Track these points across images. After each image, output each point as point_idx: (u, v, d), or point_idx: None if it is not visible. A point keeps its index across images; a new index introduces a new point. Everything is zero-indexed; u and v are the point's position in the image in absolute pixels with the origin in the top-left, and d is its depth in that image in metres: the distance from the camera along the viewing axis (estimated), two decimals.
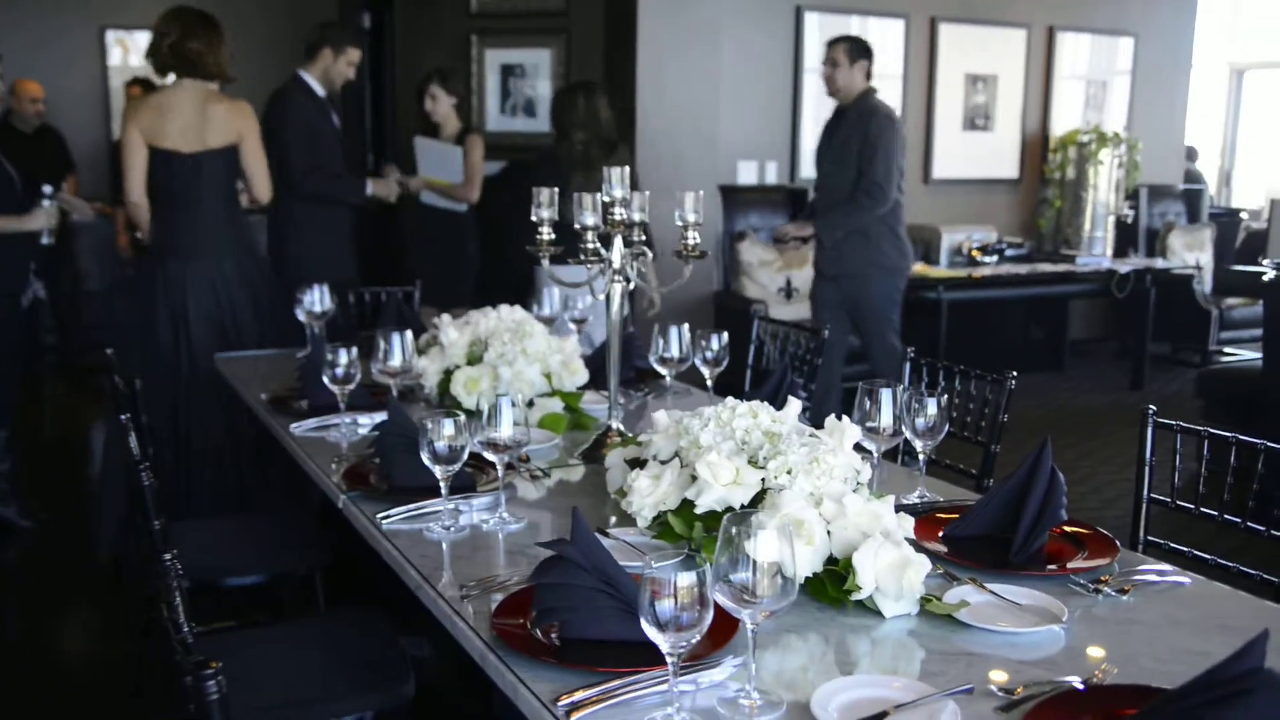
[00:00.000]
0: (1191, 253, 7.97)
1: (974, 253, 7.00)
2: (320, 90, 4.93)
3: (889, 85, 7.00)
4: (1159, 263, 7.63)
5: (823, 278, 5.30)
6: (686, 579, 1.30)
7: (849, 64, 5.06)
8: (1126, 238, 7.88)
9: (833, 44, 5.17)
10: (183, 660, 1.35)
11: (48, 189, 4.66)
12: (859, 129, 5.00)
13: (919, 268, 6.90)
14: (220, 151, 4.18)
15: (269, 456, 4.09)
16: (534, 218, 2.49)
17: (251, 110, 4.28)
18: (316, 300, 3.56)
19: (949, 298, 6.52)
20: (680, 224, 2.39)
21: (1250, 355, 7.03)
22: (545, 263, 2.47)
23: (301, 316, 3.57)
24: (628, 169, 2.39)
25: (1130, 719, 1.36)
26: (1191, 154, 11.29)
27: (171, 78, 4.21)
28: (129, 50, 8.51)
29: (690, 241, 2.38)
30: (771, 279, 6.48)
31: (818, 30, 6.82)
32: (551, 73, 6.72)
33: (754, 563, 1.37)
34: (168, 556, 1.52)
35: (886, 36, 7.10)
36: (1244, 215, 9.64)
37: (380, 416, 2.83)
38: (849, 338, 5.41)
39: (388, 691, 2.16)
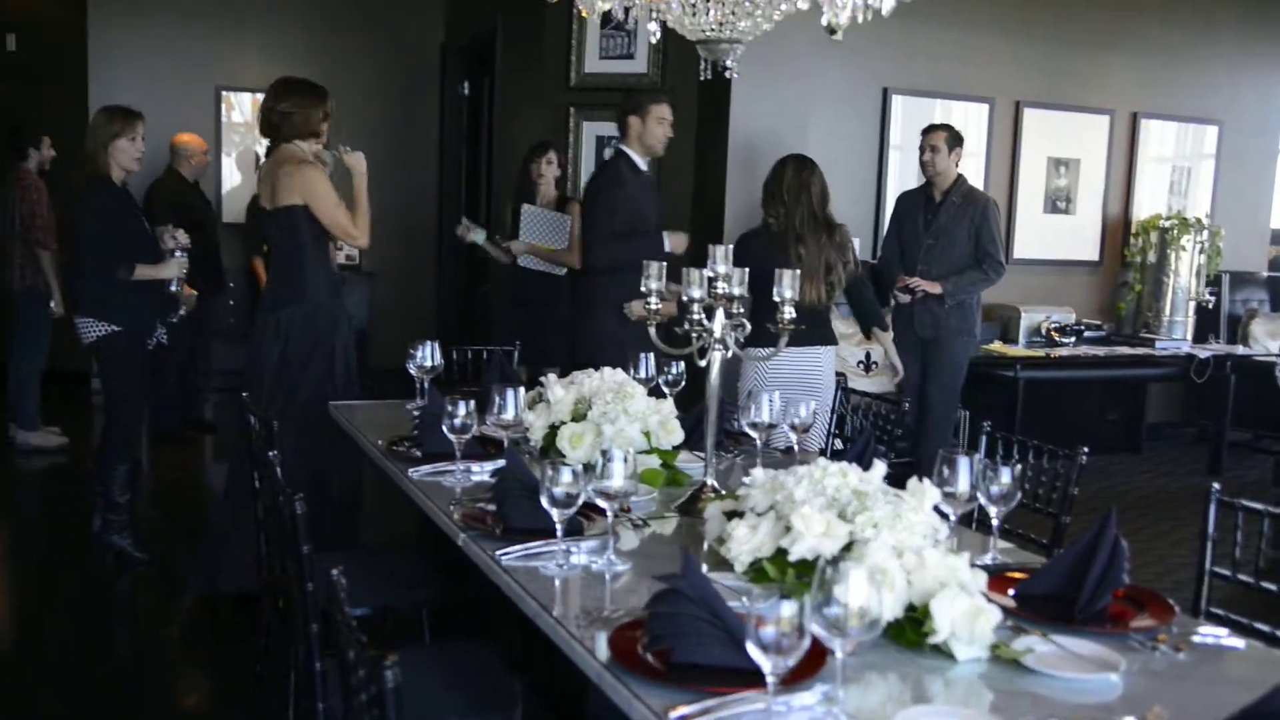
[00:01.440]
0: (1274, 340, 7.99)
1: (1052, 333, 7.12)
2: (641, 161, 5.02)
3: (973, 165, 7.20)
4: (1240, 349, 7.69)
5: (903, 346, 5.56)
6: (789, 610, 1.51)
7: (947, 151, 5.54)
8: (1207, 323, 7.94)
9: (932, 131, 5.63)
10: (357, 656, 1.58)
11: (182, 240, 5.03)
12: (967, 211, 5.56)
13: (997, 345, 7.05)
14: (289, 209, 4.34)
15: (363, 498, 4.37)
16: (643, 288, 2.73)
17: (312, 171, 4.35)
18: (427, 356, 3.81)
19: (1026, 376, 6.65)
20: (777, 299, 2.61)
21: None
22: (652, 331, 2.70)
23: (412, 370, 3.82)
24: (730, 248, 2.63)
25: None
26: None
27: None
28: (234, 108, 9.01)
29: (786, 316, 2.60)
30: (851, 352, 6.67)
31: (902, 112, 7.07)
32: None
33: (845, 602, 1.57)
34: (335, 572, 1.75)
35: (970, 119, 7.32)
36: None
37: (490, 465, 3.09)
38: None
39: (501, 715, 2.37)
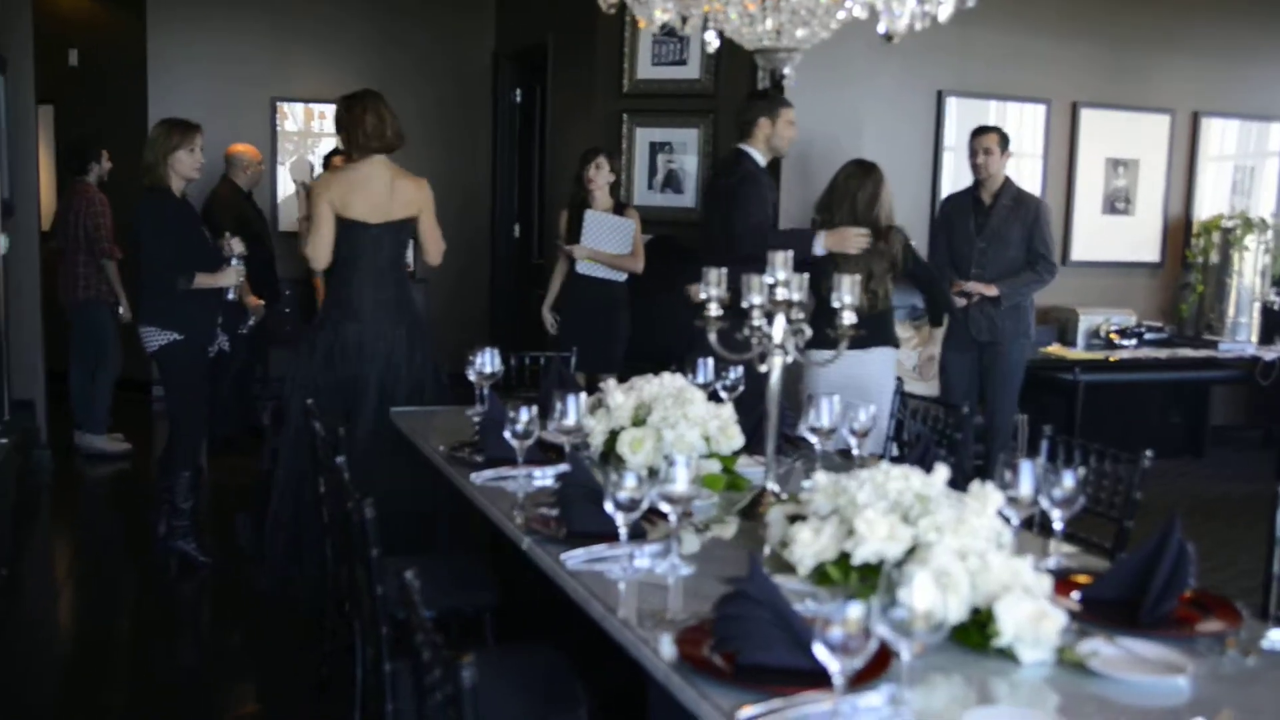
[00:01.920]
0: None
1: (1112, 335, 7.05)
2: (763, 160, 5.01)
3: (1029, 166, 7.15)
4: None
5: (959, 349, 5.61)
6: (856, 612, 1.53)
7: (1000, 153, 5.55)
8: (1273, 324, 7.81)
9: (985, 133, 5.64)
10: (433, 657, 1.62)
11: (238, 249, 5.11)
12: (1019, 214, 5.56)
13: (1055, 348, 6.99)
14: (401, 224, 4.54)
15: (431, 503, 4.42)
16: (703, 295, 2.75)
17: (428, 185, 4.62)
18: (487, 362, 3.86)
19: (1086, 379, 6.59)
20: (837, 305, 2.63)
21: None
22: (713, 337, 2.72)
23: (472, 377, 3.87)
24: (789, 254, 2.64)
25: None
26: None
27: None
28: (287, 117, 9.14)
29: (846, 322, 2.61)
30: (908, 356, 6.65)
31: (957, 114, 7.04)
32: (699, 150, 7.05)
33: (911, 605, 1.58)
34: (409, 574, 1.79)
35: (1026, 121, 7.27)
36: None
37: (551, 470, 3.12)
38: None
39: (566, 716, 2.40)
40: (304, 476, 4.25)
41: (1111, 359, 6.86)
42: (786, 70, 2.74)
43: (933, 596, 1.59)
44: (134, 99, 8.59)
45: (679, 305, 6.59)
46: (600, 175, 5.94)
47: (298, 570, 4.47)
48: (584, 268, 5.93)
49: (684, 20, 2.71)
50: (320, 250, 4.51)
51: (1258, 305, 7.62)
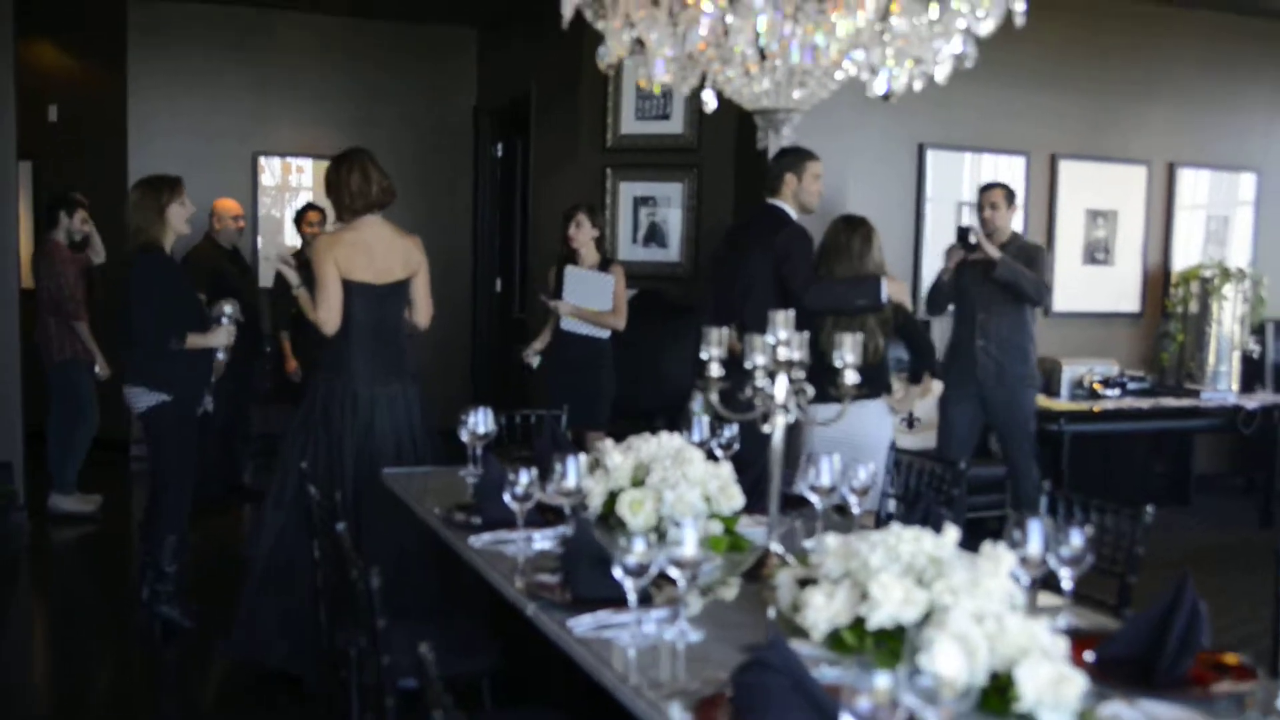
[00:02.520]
0: None
1: (1095, 386, 7.08)
2: (794, 215, 4.92)
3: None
4: None
5: (961, 398, 5.71)
6: (883, 681, 1.50)
7: (1005, 207, 5.75)
8: (1253, 373, 7.87)
9: (991, 189, 5.85)
10: None
11: (228, 308, 5.07)
12: (1022, 260, 5.69)
13: (1041, 400, 7.01)
14: (403, 283, 4.49)
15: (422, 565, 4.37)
16: (703, 355, 2.74)
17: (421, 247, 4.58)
18: (480, 422, 3.82)
19: (1071, 430, 6.61)
20: (839, 364, 2.62)
21: None
22: (715, 398, 2.71)
23: (465, 437, 3.83)
24: (791, 313, 2.64)
25: None
26: None
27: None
28: (264, 171, 9.15)
29: (849, 381, 2.61)
30: (899, 405, 6.64)
31: (937, 166, 7.11)
32: (683, 204, 7.08)
33: (937, 673, 1.56)
34: (423, 647, 1.76)
35: (1007, 172, 7.34)
36: None
37: (550, 533, 3.09)
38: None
39: None
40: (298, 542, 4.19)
41: (1095, 409, 6.88)
42: (785, 130, 2.75)
43: (959, 662, 1.57)
44: (113, 155, 8.58)
45: (665, 359, 6.60)
46: (581, 232, 5.92)
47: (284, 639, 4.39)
48: (568, 324, 5.91)
49: (683, 81, 2.72)
50: (332, 314, 4.38)
51: (1237, 354, 7.68)
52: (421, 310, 4.61)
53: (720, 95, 2.72)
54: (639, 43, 2.65)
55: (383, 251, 4.44)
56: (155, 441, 4.95)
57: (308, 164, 9.17)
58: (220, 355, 5.05)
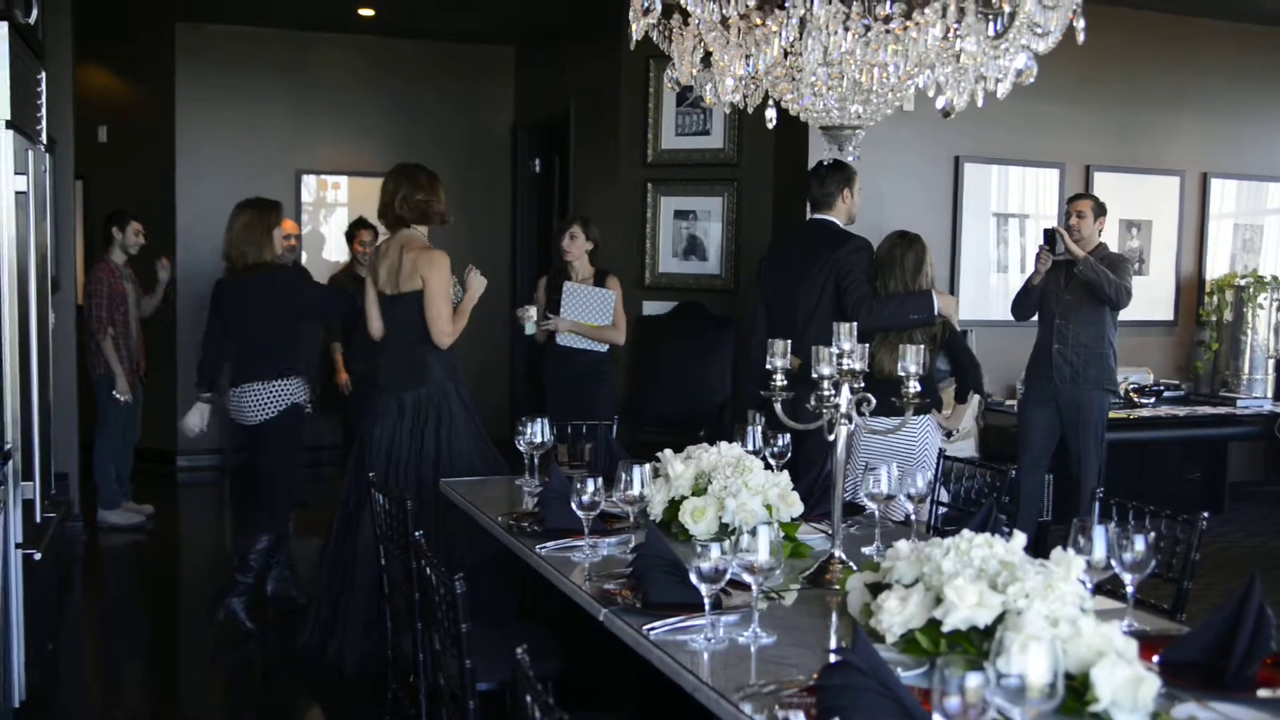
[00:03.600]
0: None
1: (1131, 394, 7.11)
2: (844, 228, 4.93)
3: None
4: None
5: (1039, 403, 5.96)
6: (975, 681, 1.57)
7: (1093, 218, 5.91)
8: None
9: (1079, 199, 6.07)
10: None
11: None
12: (1109, 267, 5.83)
13: None
14: (411, 295, 4.53)
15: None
16: (768, 365, 2.82)
17: (441, 260, 4.56)
18: (537, 432, 3.92)
19: (1109, 438, 6.63)
20: (902, 374, 2.69)
21: None
22: (778, 407, 2.78)
23: (522, 447, 3.92)
24: (854, 325, 2.72)
25: None
26: None
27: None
28: (304, 188, 9.28)
29: (912, 390, 2.68)
30: (948, 422, 6.69)
31: (973, 179, 7.17)
32: (724, 217, 7.15)
33: (1024, 673, 1.63)
34: (519, 651, 1.84)
35: (1042, 185, 7.40)
36: None
37: (614, 540, 3.17)
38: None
39: None
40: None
41: (1131, 417, 6.92)
42: (850, 148, 2.83)
43: (1045, 662, 1.63)
44: (162, 173, 8.74)
45: (706, 370, 6.65)
46: (575, 245, 5.75)
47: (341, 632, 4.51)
48: (565, 339, 5.74)
49: (745, 100, 2.79)
50: (369, 321, 4.69)
51: (1272, 361, 7.70)
52: (431, 327, 4.57)
53: (785, 113, 2.80)
54: (704, 63, 2.73)
55: (395, 262, 4.59)
56: (270, 448, 5.11)
57: (344, 181, 9.30)
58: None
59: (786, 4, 2.30)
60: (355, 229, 7.64)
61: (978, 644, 2.07)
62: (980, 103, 2.61)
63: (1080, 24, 2.48)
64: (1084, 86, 7.40)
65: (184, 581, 6.38)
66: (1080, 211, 5.98)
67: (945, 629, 2.10)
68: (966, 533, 2.26)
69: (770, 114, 2.85)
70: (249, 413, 5.05)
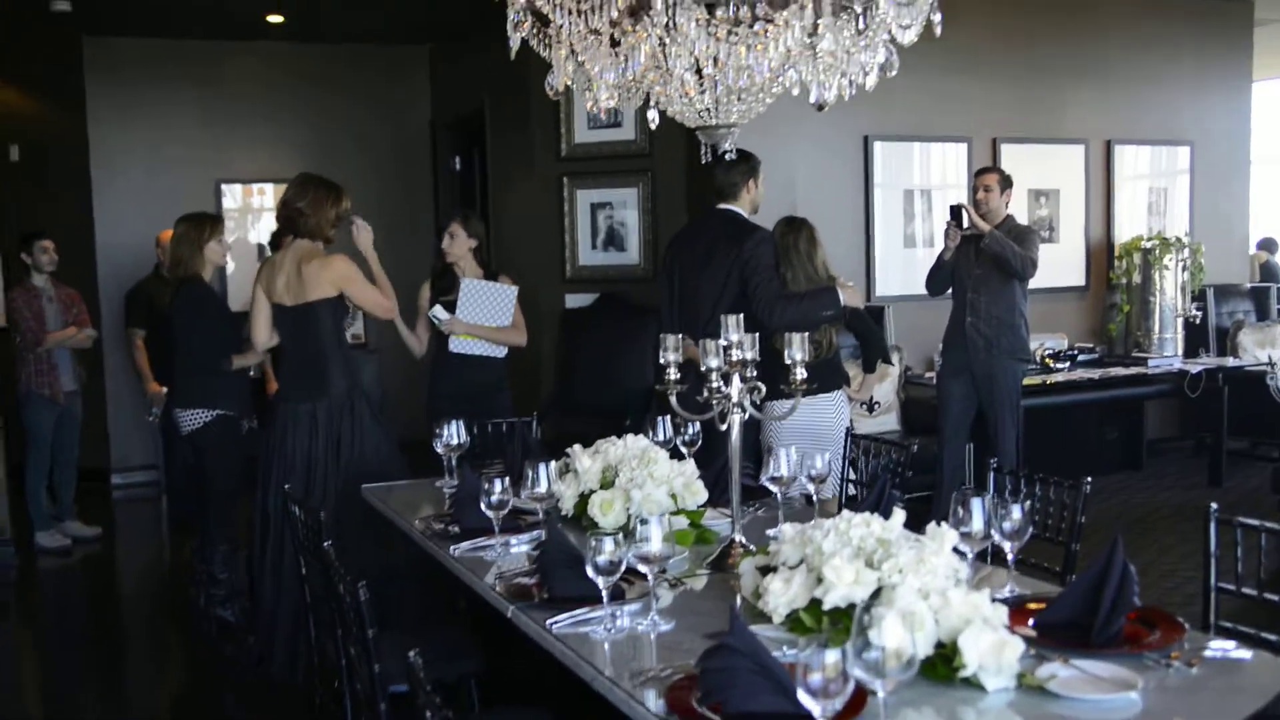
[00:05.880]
0: (1263, 349, 8.17)
1: (1047, 360, 7.29)
2: (749, 218, 4.82)
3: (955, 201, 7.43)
4: (1230, 361, 7.88)
5: (954, 375, 6.08)
6: (832, 657, 1.67)
7: (999, 191, 6.02)
8: (1197, 338, 8.13)
9: (985, 173, 6.17)
10: None
11: None
12: (1013, 240, 5.95)
13: None
14: (316, 304, 4.54)
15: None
16: (661, 360, 2.90)
17: (344, 261, 4.59)
18: (453, 434, 3.98)
19: (1025, 404, 6.80)
20: (789, 362, 2.79)
21: None
22: (673, 398, 2.87)
23: (439, 449, 3.98)
24: (742, 316, 2.81)
25: None
26: (1270, 245, 11.52)
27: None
28: (226, 196, 9.24)
29: (798, 376, 2.78)
30: (857, 395, 6.83)
31: (882, 157, 7.32)
32: (640, 208, 7.24)
33: (882, 645, 1.73)
34: (412, 654, 1.91)
35: (950, 159, 7.56)
36: None
37: (526, 537, 3.25)
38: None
39: None
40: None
41: (1049, 382, 7.10)
42: (726, 145, 2.92)
43: (902, 636, 1.73)
44: (78, 190, 8.66)
45: (627, 360, 6.73)
46: (456, 244, 5.26)
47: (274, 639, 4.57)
48: (458, 345, 5.21)
49: (627, 103, 2.87)
50: (255, 332, 4.72)
51: (1180, 321, 7.92)
52: (374, 312, 4.77)
53: (664, 114, 2.88)
54: (583, 69, 2.81)
55: (294, 274, 4.59)
56: (206, 458, 5.24)
57: (269, 188, 9.26)
58: (253, 373, 5.49)
59: (650, 13, 2.38)
60: (280, 236, 7.62)
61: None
62: (847, 97, 2.71)
63: (937, 18, 2.58)
64: (987, 61, 7.57)
65: (123, 599, 6.40)
66: (986, 185, 6.10)
67: (826, 607, 2.21)
68: (846, 513, 2.37)
69: (652, 114, 2.94)
70: (181, 423, 5.21)
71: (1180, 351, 7.88)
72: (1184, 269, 7.93)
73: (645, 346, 6.84)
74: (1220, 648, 2.23)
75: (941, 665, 2.06)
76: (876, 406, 6.76)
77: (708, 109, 2.86)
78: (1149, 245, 7.92)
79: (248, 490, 4.88)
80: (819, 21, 2.53)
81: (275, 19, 8.43)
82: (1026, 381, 7.01)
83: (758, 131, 6.33)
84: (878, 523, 2.32)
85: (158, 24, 8.42)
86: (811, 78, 2.70)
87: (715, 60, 2.57)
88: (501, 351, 5.33)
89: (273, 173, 9.10)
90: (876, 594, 2.17)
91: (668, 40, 2.60)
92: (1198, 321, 8.07)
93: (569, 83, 2.79)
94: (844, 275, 4.98)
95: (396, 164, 9.53)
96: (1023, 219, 7.82)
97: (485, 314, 5.22)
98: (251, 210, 9.39)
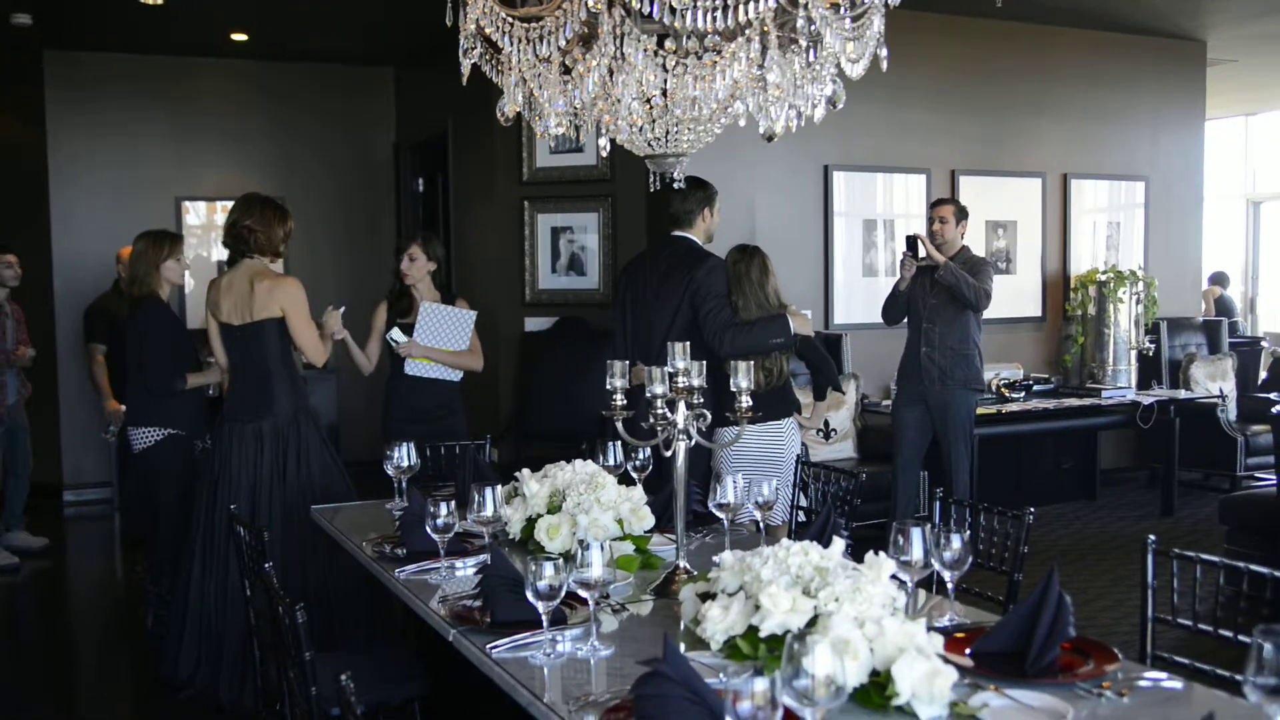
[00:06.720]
0: (1214, 382, 8.30)
1: (1002, 389, 7.36)
2: (703, 245, 4.82)
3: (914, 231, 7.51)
4: (1182, 393, 7.98)
5: (909, 403, 6.10)
6: (761, 685, 1.68)
7: (955, 222, 6.06)
8: (1150, 370, 8.24)
9: (941, 204, 6.19)
10: None
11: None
12: (968, 271, 5.99)
13: None
14: (265, 324, 4.53)
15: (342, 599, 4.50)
16: (608, 386, 2.92)
17: (295, 286, 4.58)
18: (404, 456, 3.96)
19: (980, 433, 6.86)
20: (735, 390, 2.81)
21: (1272, 480, 7.31)
22: (619, 425, 2.88)
23: (390, 471, 3.96)
24: (688, 344, 2.82)
25: None
26: (1223, 279, 11.70)
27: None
28: (189, 213, 9.17)
29: (744, 405, 2.79)
30: (809, 422, 6.87)
31: (843, 186, 7.38)
32: (600, 232, 7.26)
33: (812, 674, 1.74)
34: (344, 677, 1.90)
35: (909, 189, 7.64)
36: (1265, 343, 9.98)
37: (472, 560, 3.24)
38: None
39: None
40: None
41: (1004, 412, 7.17)
42: (675, 174, 2.94)
43: (831, 664, 1.74)
44: (36, 205, 8.59)
45: (587, 384, 6.73)
46: (415, 267, 5.24)
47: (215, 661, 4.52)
48: (414, 368, 5.22)
49: (578, 130, 2.89)
50: (217, 353, 4.73)
51: (1134, 353, 8.03)
52: (304, 349, 4.64)
53: (614, 141, 2.90)
54: (533, 96, 2.82)
55: (243, 293, 4.58)
56: (156, 477, 5.24)
57: (230, 205, 9.18)
58: (211, 392, 5.45)
59: (597, 44, 2.40)
60: (232, 257, 7.57)
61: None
62: (795, 128, 2.73)
63: (884, 52, 2.62)
64: (947, 94, 7.67)
65: (72, 617, 6.31)
66: (942, 217, 6.16)
67: (763, 634, 2.22)
68: (786, 541, 2.38)
69: (603, 142, 2.96)
70: (132, 441, 5.24)
71: (1134, 383, 7.98)
72: (1138, 302, 8.04)
73: (604, 371, 6.86)
74: (1153, 678, 2.26)
75: (875, 694, 2.07)
76: (833, 434, 6.81)
77: (657, 138, 2.88)
78: (1104, 278, 8.02)
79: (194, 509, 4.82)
80: (767, 53, 2.55)
81: (240, 37, 8.41)
82: (982, 411, 7.09)
83: (718, 159, 6.41)
84: (816, 551, 2.33)
85: (120, 39, 8.39)
86: (760, 109, 2.72)
87: (664, 91, 2.59)
88: (457, 375, 5.33)
89: (236, 190, 8.89)
90: (813, 622, 2.19)
91: (615, 70, 2.62)
92: (1151, 354, 8.18)
93: (519, 109, 2.81)
94: (800, 304, 5.03)
95: (360, 184, 9.52)
96: (980, 250, 7.93)
97: (443, 338, 5.23)
98: (214, 228, 9.32)
